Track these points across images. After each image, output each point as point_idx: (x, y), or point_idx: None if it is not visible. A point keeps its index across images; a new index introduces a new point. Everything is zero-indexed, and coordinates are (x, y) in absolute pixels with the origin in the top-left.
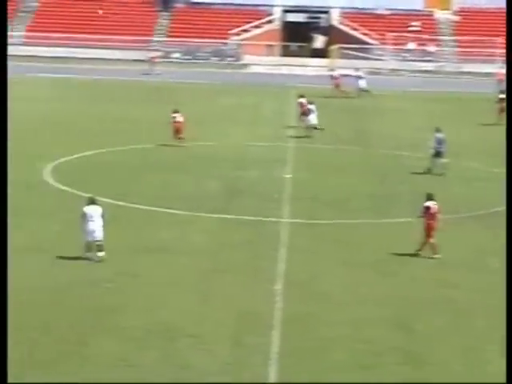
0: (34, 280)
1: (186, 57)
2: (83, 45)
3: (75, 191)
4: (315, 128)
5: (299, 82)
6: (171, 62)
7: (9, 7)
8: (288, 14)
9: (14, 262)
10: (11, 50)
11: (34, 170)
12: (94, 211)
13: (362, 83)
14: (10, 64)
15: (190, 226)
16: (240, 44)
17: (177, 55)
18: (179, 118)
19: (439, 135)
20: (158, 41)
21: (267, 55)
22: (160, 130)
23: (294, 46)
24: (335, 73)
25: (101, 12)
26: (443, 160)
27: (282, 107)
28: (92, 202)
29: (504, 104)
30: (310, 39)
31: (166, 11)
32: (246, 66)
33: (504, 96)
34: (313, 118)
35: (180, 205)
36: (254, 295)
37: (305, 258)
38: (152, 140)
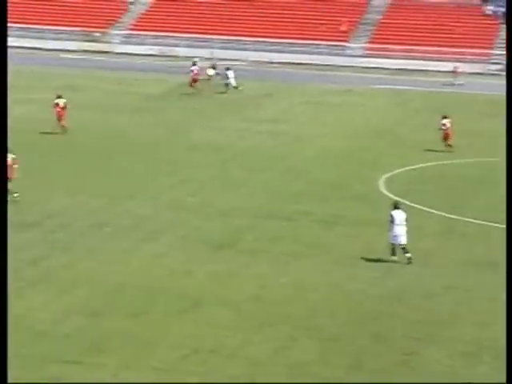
0: (367, 289)
1: None
2: (421, 57)
3: (408, 202)
4: None
5: None
6: None
7: (350, 19)
8: None
9: (348, 271)
10: (351, 62)
11: (369, 180)
12: (401, 216)
13: None
14: (350, 75)
15: None
16: None
17: None
18: (448, 124)
19: None
20: (498, 54)
21: None
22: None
23: None
24: None
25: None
26: None
27: None
28: (396, 206)
29: None
30: None
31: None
32: None
33: None
34: None
35: None
36: None
37: None
38: (495, 154)
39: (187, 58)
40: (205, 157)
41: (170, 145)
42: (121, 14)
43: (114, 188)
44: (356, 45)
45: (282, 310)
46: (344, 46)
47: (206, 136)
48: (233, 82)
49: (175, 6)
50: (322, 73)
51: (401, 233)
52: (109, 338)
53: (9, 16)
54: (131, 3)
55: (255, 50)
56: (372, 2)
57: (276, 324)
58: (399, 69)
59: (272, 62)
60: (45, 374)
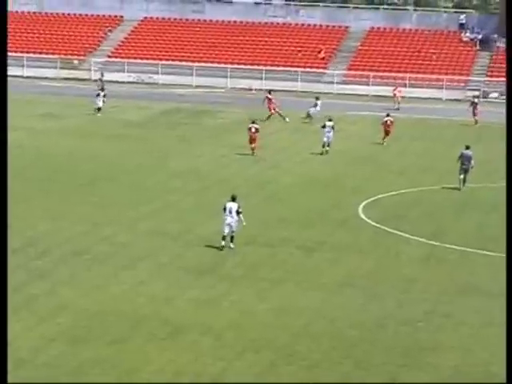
0: (349, 315)
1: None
2: (400, 84)
3: (387, 229)
4: None
5: None
6: (489, 102)
7: (329, 46)
8: None
9: (329, 297)
10: (329, 89)
11: (349, 206)
12: (232, 207)
13: None
14: (329, 102)
15: (504, 268)
16: None
17: (495, 95)
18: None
19: None
20: (476, 80)
21: None
22: (481, 170)
23: None
24: None
25: (321, 54)
26: None
27: None
28: (233, 199)
29: None
30: None
31: (486, 51)
32: None
33: None
34: None
35: (495, 246)
36: None
37: None
38: (477, 179)
39: (165, 85)
40: (186, 183)
41: (151, 171)
42: (100, 41)
43: (93, 215)
44: (334, 71)
45: (263, 336)
46: (322, 72)
47: (187, 163)
48: None
49: (153, 35)
50: (300, 99)
51: (230, 222)
52: (89, 365)
53: None
54: (110, 31)
55: (234, 77)
56: (350, 29)
57: (257, 351)
58: (377, 95)
59: (250, 89)
60: None
